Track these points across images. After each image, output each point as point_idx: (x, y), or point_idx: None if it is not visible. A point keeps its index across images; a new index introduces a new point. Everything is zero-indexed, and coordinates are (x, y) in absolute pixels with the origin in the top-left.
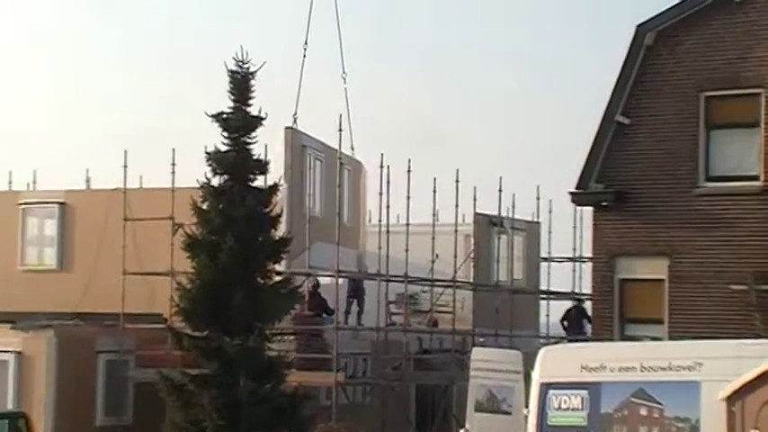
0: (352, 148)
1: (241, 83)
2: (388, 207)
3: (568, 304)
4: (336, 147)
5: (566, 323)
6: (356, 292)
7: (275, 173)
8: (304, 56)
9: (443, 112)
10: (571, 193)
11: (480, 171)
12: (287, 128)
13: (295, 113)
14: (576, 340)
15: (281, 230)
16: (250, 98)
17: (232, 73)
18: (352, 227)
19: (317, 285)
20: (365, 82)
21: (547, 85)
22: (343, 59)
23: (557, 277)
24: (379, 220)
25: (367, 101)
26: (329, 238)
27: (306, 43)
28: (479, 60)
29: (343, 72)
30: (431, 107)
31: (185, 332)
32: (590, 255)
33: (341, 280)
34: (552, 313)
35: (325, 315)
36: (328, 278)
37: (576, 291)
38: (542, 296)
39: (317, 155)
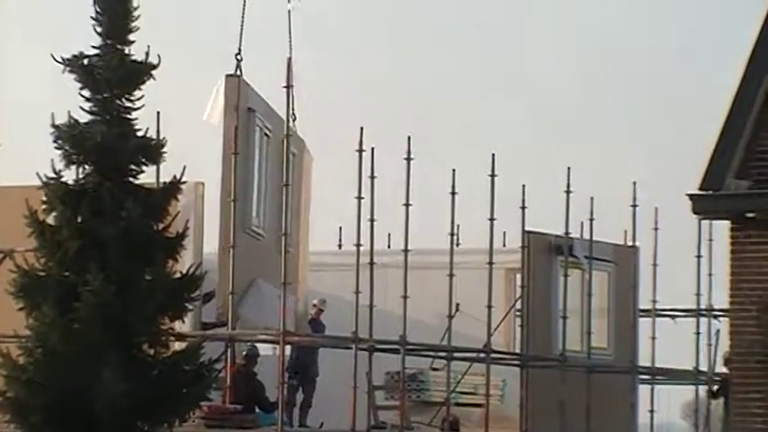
0: (294, 118)
1: (115, 4)
2: (371, 221)
3: (688, 391)
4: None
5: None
6: (300, 370)
7: (175, 161)
8: None
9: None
10: (691, 198)
11: (531, 162)
12: (229, 76)
13: (239, 52)
14: None
15: (186, 259)
16: (130, 31)
17: None
18: (295, 252)
19: (252, 360)
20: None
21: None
22: None
23: (668, 343)
24: (357, 244)
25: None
26: (273, 271)
27: None
28: None
29: None
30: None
31: None
32: (726, 304)
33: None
34: (665, 405)
35: (259, 411)
36: (269, 345)
37: (702, 368)
38: (643, 377)
39: (266, 126)
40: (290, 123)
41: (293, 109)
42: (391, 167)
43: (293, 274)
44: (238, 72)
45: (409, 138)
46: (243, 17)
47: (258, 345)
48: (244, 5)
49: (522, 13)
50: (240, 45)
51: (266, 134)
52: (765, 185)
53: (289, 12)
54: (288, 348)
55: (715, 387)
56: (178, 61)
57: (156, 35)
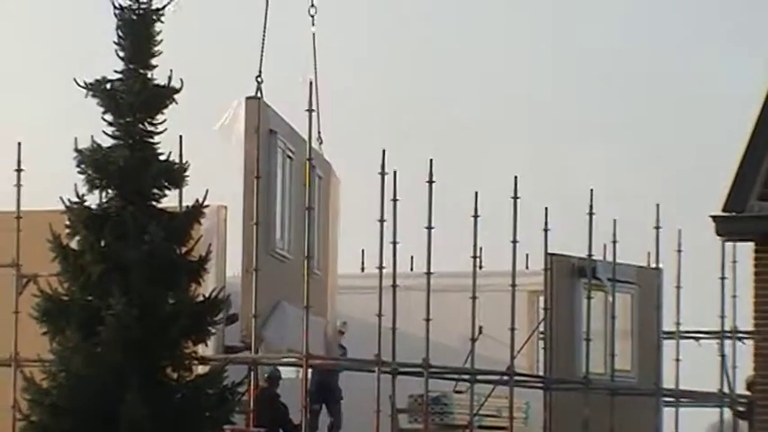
0: (320, 140)
1: (138, 28)
2: (394, 244)
3: (711, 413)
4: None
5: None
6: (323, 393)
7: (197, 184)
8: None
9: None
10: (715, 219)
11: (553, 183)
12: (250, 99)
13: (259, 75)
14: None
15: (209, 283)
16: (152, 55)
17: (121, 11)
18: (323, 276)
19: (275, 382)
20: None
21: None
22: None
23: (692, 366)
24: (379, 267)
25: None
26: (300, 294)
27: None
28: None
29: (312, 2)
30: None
31: None
32: (751, 326)
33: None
34: (688, 428)
35: None
36: (293, 369)
37: (726, 390)
38: (667, 399)
39: (288, 148)
40: (317, 147)
41: (319, 132)
42: (414, 190)
43: (322, 298)
44: (259, 94)
45: (431, 161)
46: (263, 39)
47: (282, 368)
48: (264, 28)
49: (547, 35)
50: (260, 67)
51: (289, 156)
52: None
53: (313, 34)
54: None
55: (741, 408)
56: (199, 83)
57: (176, 58)
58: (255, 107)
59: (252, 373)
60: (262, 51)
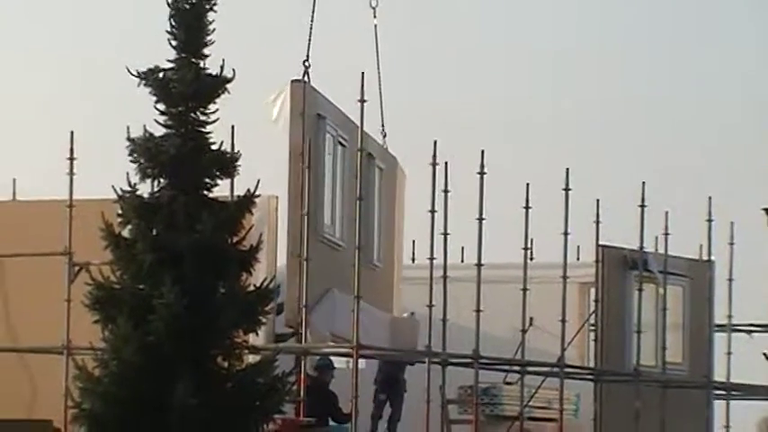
0: (384, 135)
1: (191, 18)
2: (445, 235)
3: (763, 407)
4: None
5: None
6: (389, 384)
7: (249, 175)
8: None
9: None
10: (767, 212)
11: (604, 174)
12: (295, 82)
13: (306, 60)
14: None
15: (260, 273)
16: (205, 44)
17: (174, 1)
18: (386, 269)
19: (324, 371)
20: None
21: None
22: None
23: (744, 359)
24: (430, 258)
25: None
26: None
27: None
28: None
29: None
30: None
31: None
32: None
33: (365, 362)
34: (737, 422)
35: (333, 423)
36: (343, 359)
37: None
38: (718, 392)
39: (340, 135)
40: (381, 140)
41: (383, 125)
42: (465, 181)
43: (385, 291)
44: (306, 79)
45: (483, 152)
46: (311, 23)
47: (333, 358)
48: (313, 11)
49: (596, 25)
50: (308, 52)
51: (341, 143)
52: None
53: (375, 26)
54: (374, 364)
55: None
56: (247, 72)
57: (224, 46)
58: (300, 90)
59: (302, 363)
60: (310, 36)
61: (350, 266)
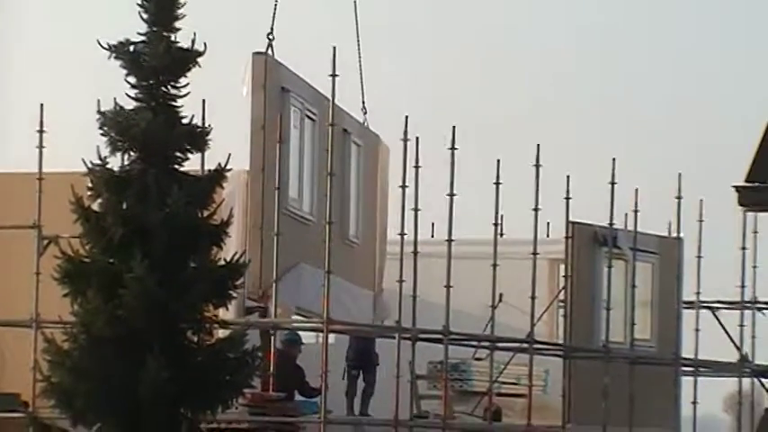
0: (364, 112)
1: None
2: (416, 210)
3: (728, 383)
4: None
5: None
6: (362, 358)
7: (219, 149)
8: None
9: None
10: (737, 190)
11: (574, 151)
12: (257, 54)
13: (270, 33)
14: None
15: (231, 247)
16: (176, 18)
17: None
18: (365, 245)
19: (292, 346)
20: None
21: None
22: None
23: (711, 336)
24: (400, 234)
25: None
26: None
27: None
28: None
29: None
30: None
31: (59, 427)
32: None
33: (335, 337)
34: (704, 398)
35: (301, 397)
36: (313, 334)
37: (748, 360)
38: (686, 368)
39: (307, 108)
40: (363, 117)
41: (363, 102)
42: (435, 157)
43: (365, 268)
44: (270, 52)
45: (454, 127)
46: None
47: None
48: None
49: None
50: (272, 24)
51: (309, 117)
52: None
53: (354, 3)
54: (345, 339)
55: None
56: (216, 46)
57: (196, 20)
58: (262, 63)
59: (271, 338)
60: (275, 9)
61: (321, 241)
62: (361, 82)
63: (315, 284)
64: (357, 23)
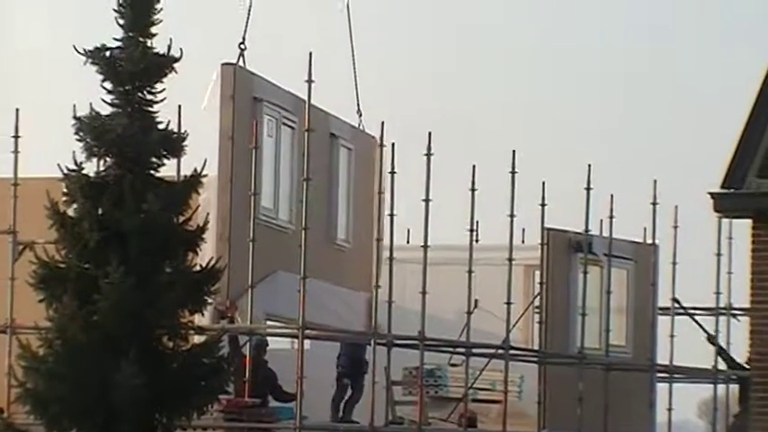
0: (359, 113)
1: None
2: (391, 216)
3: (703, 389)
4: (329, 110)
5: None
6: (354, 366)
7: (195, 154)
8: None
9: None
10: (713, 196)
11: (551, 159)
12: (225, 65)
13: (242, 41)
14: None
15: (207, 253)
16: (152, 23)
17: None
18: (358, 248)
19: (259, 348)
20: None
21: None
22: None
23: (687, 342)
24: (377, 239)
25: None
26: (313, 266)
27: None
28: None
29: None
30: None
31: None
32: (746, 304)
33: (310, 343)
34: (680, 404)
35: (275, 402)
36: (289, 340)
37: (721, 368)
38: (661, 375)
39: (285, 116)
40: (358, 120)
41: (358, 105)
42: (412, 163)
43: (358, 270)
44: (241, 61)
45: (430, 133)
46: (250, 6)
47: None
48: None
49: (548, 7)
50: (244, 34)
51: (287, 125)
52: None
53: (347, 5)
54: (322, 345)
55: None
56: (194, 53)
57: (174, 27)
58: (230, 73)
59: (239, 345)
60: (247, 19)
61: (310, 248)
62: (356, 85)
63: (293, 291)
64: (350, 27)
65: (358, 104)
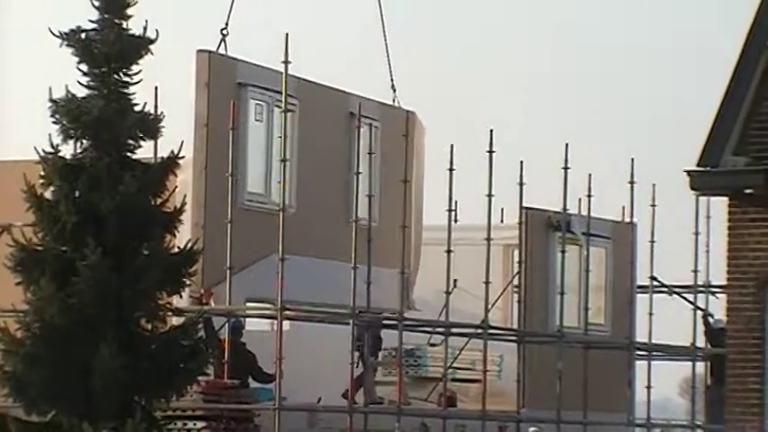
0: (394, 89)
1: None
2: (370, 197)
3: (684, 367)
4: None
5: None
6: (376, 344)
7: (173, 136)
8: None
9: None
10: (689, 174)
11: (528, 136)
12: (200, 51)
13: (224, 27)
14: None
15: (185, 234)
16: (128, 5)
17: None
18: (386, 225)
19: (237, 331)
20: None
21: None
22: None
23: (665, 320)
24: (354, 220)
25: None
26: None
27: None
28: None
29: None
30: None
31: (13, 416)
32: (723, 281)
33: (289, 324)
34: (659, 382)
35: (256, 384)
36: (269, 321)
37: (699, 344)
38: (640, 353)
39: (278, 99)
40: (394, 95)
41: (392, 80)
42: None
43: (389, 247)
44: (223, 47)
45: (408, 114)
46: None
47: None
48: None
49: None
50: (227, 20)
51: (290, 109)
52: (763, 162)
53: None
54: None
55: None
56: (174, 36)
57: (153, 8)
58: (205, 60)
59: (214, 328)
60: (231, 5)
61: (303, 227)
62: (388, 60)
63: (289, 273)
64: (380, 4)
65: (392, 79)
